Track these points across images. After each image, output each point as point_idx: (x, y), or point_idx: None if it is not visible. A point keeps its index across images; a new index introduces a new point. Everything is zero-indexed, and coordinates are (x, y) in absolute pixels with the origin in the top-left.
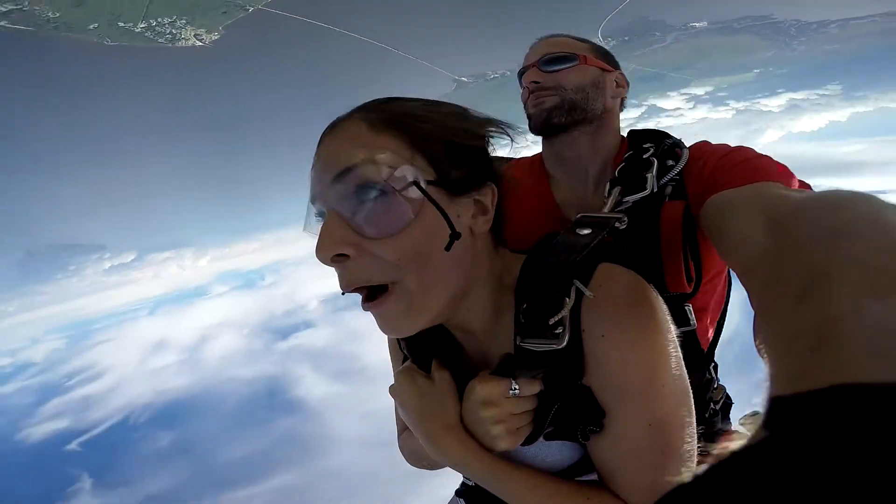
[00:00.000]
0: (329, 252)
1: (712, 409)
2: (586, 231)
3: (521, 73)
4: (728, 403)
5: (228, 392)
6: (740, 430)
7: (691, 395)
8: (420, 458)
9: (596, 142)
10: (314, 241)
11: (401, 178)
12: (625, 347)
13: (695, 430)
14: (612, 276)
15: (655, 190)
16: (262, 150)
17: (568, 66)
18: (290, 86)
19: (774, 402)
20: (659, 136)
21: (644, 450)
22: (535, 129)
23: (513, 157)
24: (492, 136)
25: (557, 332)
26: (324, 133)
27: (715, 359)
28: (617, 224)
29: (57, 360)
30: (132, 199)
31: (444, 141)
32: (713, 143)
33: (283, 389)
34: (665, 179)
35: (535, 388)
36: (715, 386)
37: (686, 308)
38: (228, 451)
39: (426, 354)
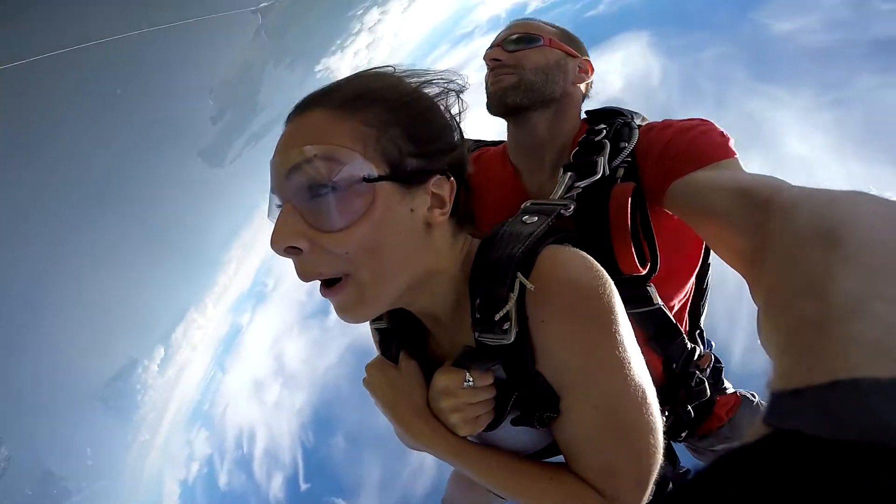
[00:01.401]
0: (282, 244)
1: (698, 377)
2: (532, 219)
3: (486, 55)
4: (718, 367)
5: (336, 379)
6: (742, 392)
7: (646, 374)
8: None
9: (553, 127)
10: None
11: (351, 174)
12: (563, 329)
13: (653, 408)
14: (553, 260)
15: (607, 173)
16: (118, 199)
17: (530, 46)
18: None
19: (775, 398)
20: (613, 115)
21: (597, 431)
22: (491, 109)
23: (480, 141)
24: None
25: (505, 327)
26: (287, 118)
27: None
28: (563, 211)
29: (219, 442)
30: (109, 310)
31: (405, 125)
32: (660, 120)
33: (365, 351)
34: (616, 162)
35: (488, 379)
36: (700, 354)
37: (648, 288)
38: (381, 420)
39: (396, 346)
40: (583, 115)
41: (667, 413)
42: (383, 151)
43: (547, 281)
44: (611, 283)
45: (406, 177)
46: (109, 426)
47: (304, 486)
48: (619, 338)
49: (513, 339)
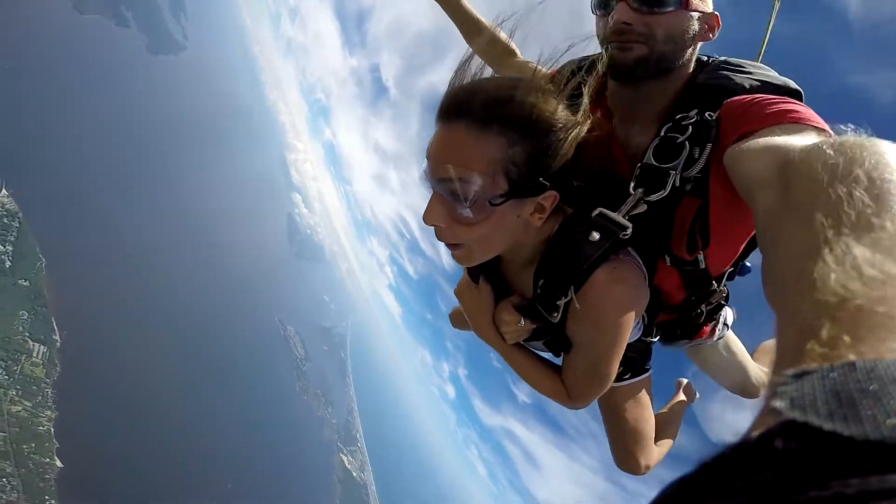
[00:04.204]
0: (430, 223)
1: (701, 310)
2: (595, 237)
3: (603, 2)
4: (720, 304)
5: (430, 136)
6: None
7: (619, 352)
8: (461, 323)
9: (664, 90)
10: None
11: (481, 196)
12: (587, 327)
13: (611, 369)
14: (597, 286)
15: (677, 185)
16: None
17: (665, 10)
18: None
19: (783, 379)
20: (710, 98)
21: (581, 366)
22: (615, 74)
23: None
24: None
25: (554, 314)
26: (438, 119)
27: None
28: (622, 235)
29: (387, 240)
30: (239, 195)
31: (530, 150)
32: (740, 101)
33: (436, 105)
34: (689, 173)
35: (532, 325)
36: (718, 291)
37: (698, 256)
38: None
39: (478, 271)
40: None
41: (667, 320)
42: (508, 173)
43: (587, 302)
44: (631, 302)
45: (521, 193)
46: (320, 272)
47: None
48: (619, 337)
49: (557, 321)
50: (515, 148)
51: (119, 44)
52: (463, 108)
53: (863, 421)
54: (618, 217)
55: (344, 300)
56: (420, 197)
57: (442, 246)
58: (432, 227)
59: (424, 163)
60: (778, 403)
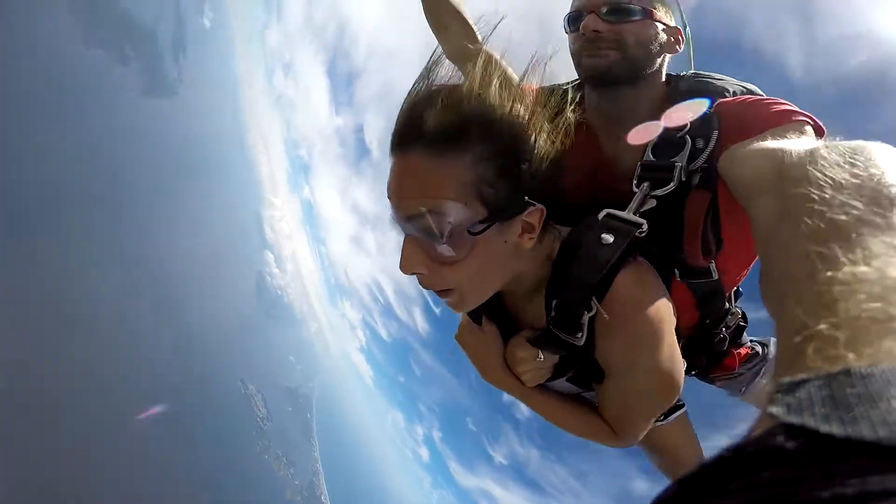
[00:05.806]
0: (409, 272)
1: (722, 335)
2: (609, 240)
3: (574, 17)
4: (742, 326)
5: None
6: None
7: (671, 375)
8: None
9: (640, 99)
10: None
11: (457, 227)
12: (620, 345)
13: (658, 399)
14: (624, 290)
15: (684, 179)
16: None
17: (633, 18)
18: None
19: (780, 386)
20: (703, 93)
21: (623, 400)
22: (590, 81)
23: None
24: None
25: (578, 335)
26: (391, 151)
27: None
28: (638, 234)
29: (360, 304)
30: (211, 253)
31: (498, 163)
32: (736, 100)
33: None
34: (694, 165)
35: (554, 359)
36: (731, 313)
37: (710, 265)
38: None
39: (479, 310)
40: (688, 73)
41: (687, 347)
42: (482, 196)
43: (615, 312)
44: (666, 303)
45: (502, 216)
46: (287, 333)
47: (437, 311)
48: (660, 351)
49: (582, 343)
50: (484, 163)
51: (113, 81)
52: (414, 131)
53: (858, 422)
54: (629, 215)
55: (311, 361)
56: (396, 261)
57: (418, 310)
58: (414, 277)
59: (391, 213)
60: (774, 410)
